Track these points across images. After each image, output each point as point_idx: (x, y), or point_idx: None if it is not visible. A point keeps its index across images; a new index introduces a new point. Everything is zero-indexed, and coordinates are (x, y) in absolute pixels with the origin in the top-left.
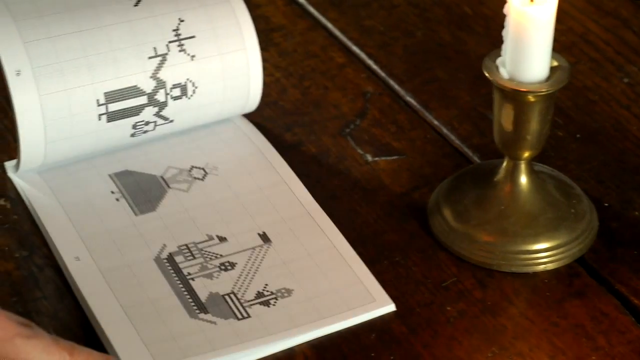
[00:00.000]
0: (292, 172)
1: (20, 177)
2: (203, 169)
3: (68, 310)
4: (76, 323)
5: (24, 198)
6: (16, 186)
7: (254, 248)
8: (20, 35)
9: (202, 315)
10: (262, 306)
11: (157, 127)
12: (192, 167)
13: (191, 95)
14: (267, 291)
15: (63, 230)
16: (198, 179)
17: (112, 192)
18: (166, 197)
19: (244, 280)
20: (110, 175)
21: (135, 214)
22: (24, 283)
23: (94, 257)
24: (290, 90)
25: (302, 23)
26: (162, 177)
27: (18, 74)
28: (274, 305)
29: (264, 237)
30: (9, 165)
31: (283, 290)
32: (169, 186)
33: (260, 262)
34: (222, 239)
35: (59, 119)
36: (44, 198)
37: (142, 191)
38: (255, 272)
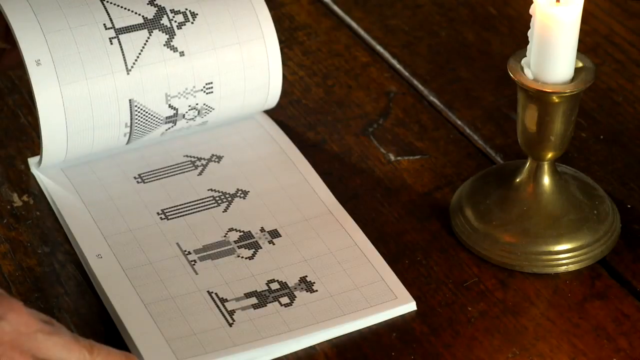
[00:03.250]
0: (314, 171)
1: (43, 173)
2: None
3: (89, 306)
4: (97, 319)
5: (47, 194)
6: (39, 182)
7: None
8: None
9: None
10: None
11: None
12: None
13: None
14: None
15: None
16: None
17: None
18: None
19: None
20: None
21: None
22: (46, 279)
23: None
24: (314, 89)
25: (326, 22)
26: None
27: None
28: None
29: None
30: (32, 161)
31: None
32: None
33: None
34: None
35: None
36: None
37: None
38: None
